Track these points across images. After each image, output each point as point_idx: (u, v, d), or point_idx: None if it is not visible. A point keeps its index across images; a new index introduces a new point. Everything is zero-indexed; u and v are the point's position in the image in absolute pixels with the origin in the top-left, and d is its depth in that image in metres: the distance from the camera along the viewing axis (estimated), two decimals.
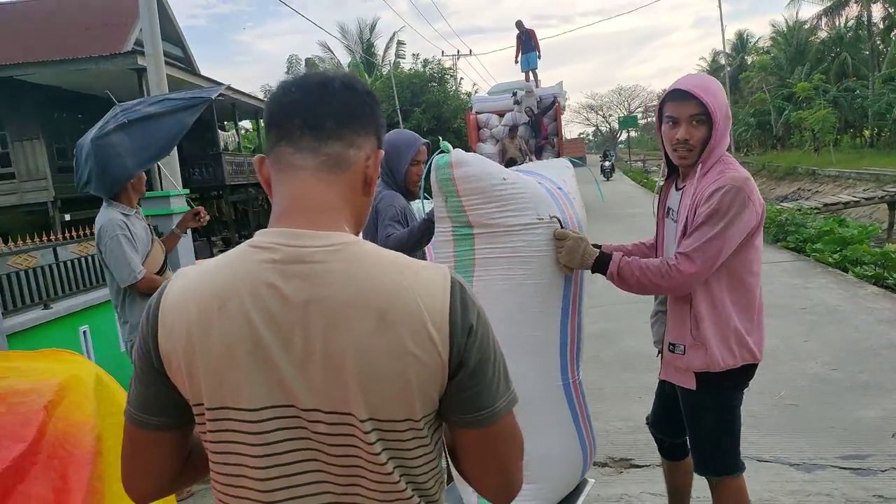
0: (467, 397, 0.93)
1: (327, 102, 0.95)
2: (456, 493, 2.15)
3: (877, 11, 32.39)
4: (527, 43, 14.88)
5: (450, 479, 2.05)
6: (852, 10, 33.93)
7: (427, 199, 2.55)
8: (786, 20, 41.38)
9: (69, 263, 5.61)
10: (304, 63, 34.34)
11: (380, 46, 34.74)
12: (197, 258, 6.35)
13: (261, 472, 0.91)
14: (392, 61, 32.54)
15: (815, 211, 12.97)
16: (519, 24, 15.01)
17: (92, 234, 6.18)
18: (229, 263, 0.93)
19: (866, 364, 4.55)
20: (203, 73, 18.76)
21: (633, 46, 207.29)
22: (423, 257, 2.83)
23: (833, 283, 7.12)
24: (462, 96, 26.59)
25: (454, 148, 2.06)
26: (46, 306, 5.04)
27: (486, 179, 1.95)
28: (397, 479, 0.92)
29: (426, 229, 2.52)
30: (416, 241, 2.57)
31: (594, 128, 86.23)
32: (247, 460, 0.92)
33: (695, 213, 1.96)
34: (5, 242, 6.14)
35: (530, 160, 12.35)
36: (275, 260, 0.90)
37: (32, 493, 1.57)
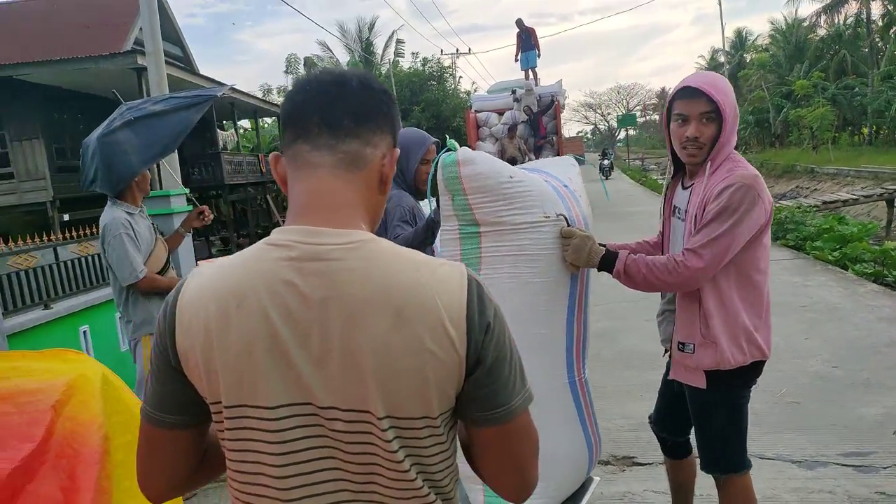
0: (484, 395, 0.93)
1: (345, 101, 0.95)
2: (462, 492, 2.15)
3: (876, 9, 32.47)
4: (527, 41, 14.88)
5: None
6: (851, 8, 34.02)
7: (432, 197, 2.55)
8: (785, 18, 41.53)
9: (69, 263, 5.62)
10: (302, 62, 34.32)
11: (379, 45, 34.77)
12: (196, 258, 6.35)
13: (278, 471, 0.91)
14: (391, 60, 32.57)
15: (814, 209, 13.00)
16: (519, 23, 15.01)
17: (92, 233, 6.21)
18: (246, 261, 0.93)
19: (867, 362, 4.57)
20: (202, 72, 18.72)
21: (632, 44, 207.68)
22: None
23: (833, 280, 7.14)
24: (461, 95, 26.63)
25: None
26: (47, 306, 5.04)
27: (493, 177, 1.95)
28: (414, 477, 0.92)
29: (430, 229, 2.52)
30: (420, 241, 2.57)
31: (593, 126, 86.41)
32: (264, 458, 0.92)
33: (703, 210, 1.96)
34: (5, 242, 6.13)
35: (529, 159, 12.37)
36: (292, 257, 0.90)
37: (41, 492, 1.57)
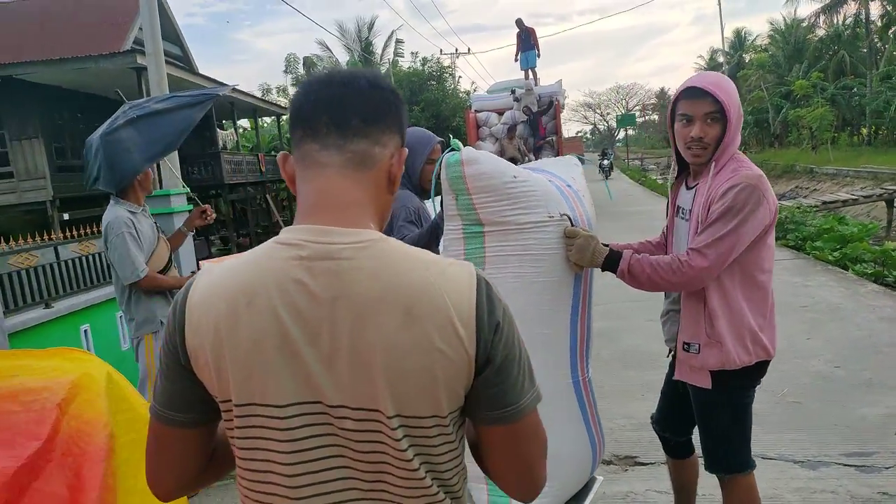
0: (493, 394, 0.93)
1: (354, 100, 0.96)
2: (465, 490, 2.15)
3: (875, 9, 32.50)
4: (526, 41, 14.88)
5: None
6: (850, 8, 34.06)
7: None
8: (784, 18, 41.60)
9: (70, 262, 5.62)
10: (302, 62, 34.30)
11: (378, 45, 34.76)
12: (196, 257, 6.35)
13: (288, 469, 0.91)
14: (391, 60, 32.56)
15: (814, 209, 13.02)
16: (519, 23, 15.01)
17: (92, 233, 6.21)
18: (256, 260, 0.93)
19: (869, 362, 4.57)
20: (201, 71, 18.71)
21: (632, 44, 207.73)
22: None
23: (833, 280, 7.14)
24: (461, 95, 26.63)
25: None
26: (48, 305, 5.04)
27: (497, 177, 1.95)
28: (423, 476, 0.92)
29: (434, 233, 2.52)
30: (424, 244, 2.57)
31: (592, 126, 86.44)
32: (274, 456, 0.92)
33: (708, 210, 1.96)
34: (6, 241, 6.13)
35: (529, 159, 12.36)
36: (302, 256, 0.90)
37: (47, 490, 1.57)
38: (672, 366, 2.29)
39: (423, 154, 2.73)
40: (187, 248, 5.90)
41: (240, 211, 20.34)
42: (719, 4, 36.43)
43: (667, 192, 2.26)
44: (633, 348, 5.27)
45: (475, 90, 28.55)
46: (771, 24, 43.07)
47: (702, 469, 2.37)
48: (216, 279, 0.94)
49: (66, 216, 13.19)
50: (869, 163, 24.63)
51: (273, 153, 21.26)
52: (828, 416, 3.77)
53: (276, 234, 0.97)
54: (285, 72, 34.87)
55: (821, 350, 4.89)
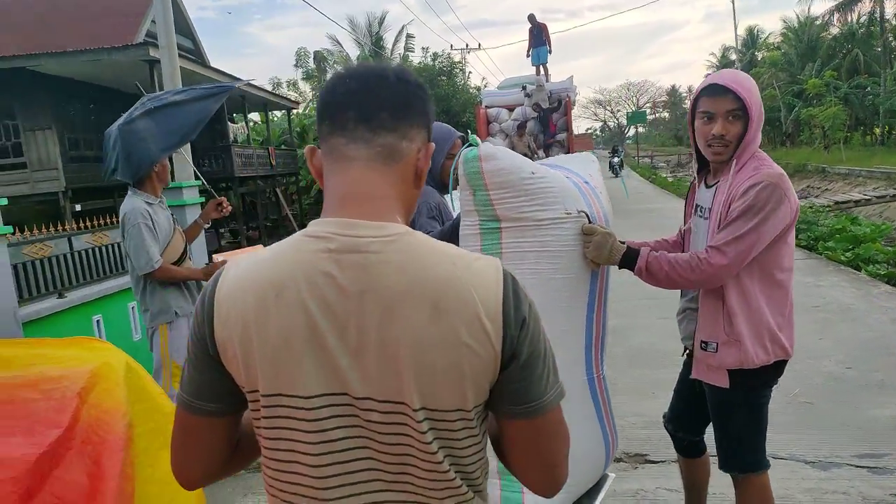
0: (517, 389, 0.94)
1: (381, 94, 0.96)
2: None
3: (890, 8, 32.23)
4: (538, 37, 14.83)
5: None
6: (865, 6, 33.73)
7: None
8: (797, 16, 41.24)
9: (83, 253, 5.66)
10: (312, 56, 34.30)
11: (389, 40, 34.67)
12: (207, 250, 6.38)
13: (314, 459, 0.92)
14: (401, 55, 32.51)
15: (826, 209, 12.93)
16: (531, 18, 14.96)
17: (105, 223, 6.24)
18: (284, 252, 0.94)
19: (881, 363, 4.55)
20: (212, 65, 18.74)
21: (642, 41, 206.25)
22: None
23: (845, 281, 7.10)
24: (471, 90, 26.56)
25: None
26: (61, 295, 5.08)
27: (515, 173, 1.94)
28: (447, 468, 0.92)
29: (457, 230, 2.52)
30: (445, 241, 2.56)
31: (602, 123, 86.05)
32: (300, 447, 0.93)
33: (728, 208, 1.95)
34: (20, 231, 6.18)
35: (538, 157, 12.33)
36: (331, 249, 0.90)
37: (68, 478, 1.59)
38: (687, 364, 2.28)
39: (444, 149, 2.72)
40: (200, 240, 5.93)
41: (249, 204, 20.40)
42: (733, 2, 36.02)
43: (678, 189, 2.25)
44: (642, 346, 5.26)
45: (486, 86, 28.45)
46: (784, 21, 42.81)
47: (714, 468, 2.36)
48: (244, 272, 0.95)
49: (78, 207, 13.27)
50: (882, 163, 24.41)
51: (283, 147, 21.31)
52: (839, 417, 3.76)
53: (285, 227, 0.97)
54: (296, 66, 34.92)
55: (832, 351, 4.86)
